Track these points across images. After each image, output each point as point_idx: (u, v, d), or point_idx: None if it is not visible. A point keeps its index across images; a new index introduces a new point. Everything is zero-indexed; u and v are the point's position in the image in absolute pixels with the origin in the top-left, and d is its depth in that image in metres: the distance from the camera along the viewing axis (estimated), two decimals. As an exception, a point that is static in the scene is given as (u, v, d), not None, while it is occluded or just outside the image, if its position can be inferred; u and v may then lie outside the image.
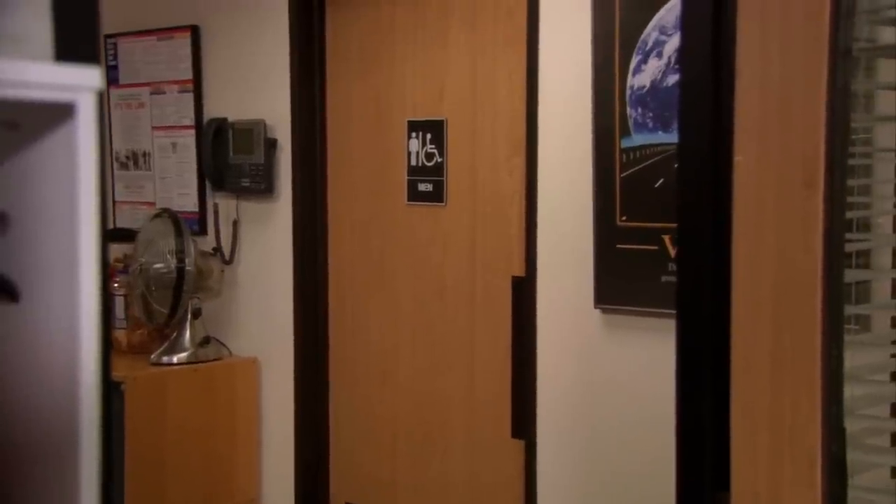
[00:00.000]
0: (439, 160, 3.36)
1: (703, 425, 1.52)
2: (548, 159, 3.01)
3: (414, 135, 3.42)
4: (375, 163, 3.56)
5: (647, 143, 2.78)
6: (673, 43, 2.71)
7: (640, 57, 2.78)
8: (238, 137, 3.75)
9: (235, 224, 3.85)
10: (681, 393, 1.55)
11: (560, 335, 3.01)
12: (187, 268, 3.62)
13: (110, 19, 3.30)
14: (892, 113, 1.77)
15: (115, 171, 4.22)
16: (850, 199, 1.52)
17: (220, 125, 3.79)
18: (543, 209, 3.03)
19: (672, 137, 2.70)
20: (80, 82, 1.15)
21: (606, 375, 2.92)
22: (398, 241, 3.51)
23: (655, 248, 2.76)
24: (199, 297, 3.70)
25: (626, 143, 2.81)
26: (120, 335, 3.81)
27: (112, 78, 4.15)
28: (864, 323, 1.72)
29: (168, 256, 3.62)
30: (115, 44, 4.14)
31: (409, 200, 3.45)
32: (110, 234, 2.45)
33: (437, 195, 3.37)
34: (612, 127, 2.83)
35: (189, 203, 3.97)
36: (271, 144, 3.70)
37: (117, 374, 3.35)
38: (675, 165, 1.68)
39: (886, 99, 1.77)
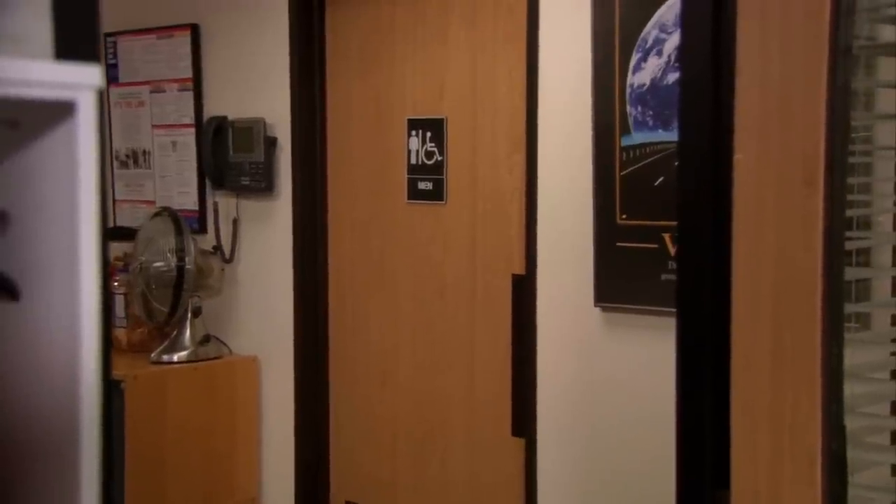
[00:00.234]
0: (439, 158, 3.36)
1: (704, 423, 1.52)
2: (548, 157, 3.01)
3: (414, 133, 3.42)
4: (375, 161, 3.55)
5: (647, 141, 2.78)
6: (673, 41, 2.71)
7: (640, 55, 2.78)
8: (238, 136, 3.75)
9: (235, 222, 3.85)
10: (681, 391, 1.55)
11: (560, 333, 3.01)
12: (187, 266, 3.62)
13: (110, 18, 3.29)
14: (892, 111, 1.77)
15: (115, 170, 4.22)
16: (850, 198, 1.52)
17: (220, 124, 3.79)
18: (543, 207, 3.03)
19: (672, 135, 2.69)
20: (80, 80, 1.15)
21: (606, 374, 2.92)
22: (398, 239, 3.50)
23: (655, 246, 2.76)
24: (199, 296, 3.70)
25: (626, 141, 2.81)
26: (120, 334, 3.81)
27: (112, 76, 4.15)
28: (864, 321, 1.72)
29: (168, 255, 3.62)
30: (114, 42, 4.14)
31: (409, 199, 3.45)
32: (110, 233, 2.45)
33: (437, 193, 3.37)
34: (612, 125, 2.83)
35: (189, 201, 3.97)
36: (271, 143, 3.70)
37: (117, 372, 3.36)
38: (675, 163, 1.68)
39: (886, 97, 1.77)
